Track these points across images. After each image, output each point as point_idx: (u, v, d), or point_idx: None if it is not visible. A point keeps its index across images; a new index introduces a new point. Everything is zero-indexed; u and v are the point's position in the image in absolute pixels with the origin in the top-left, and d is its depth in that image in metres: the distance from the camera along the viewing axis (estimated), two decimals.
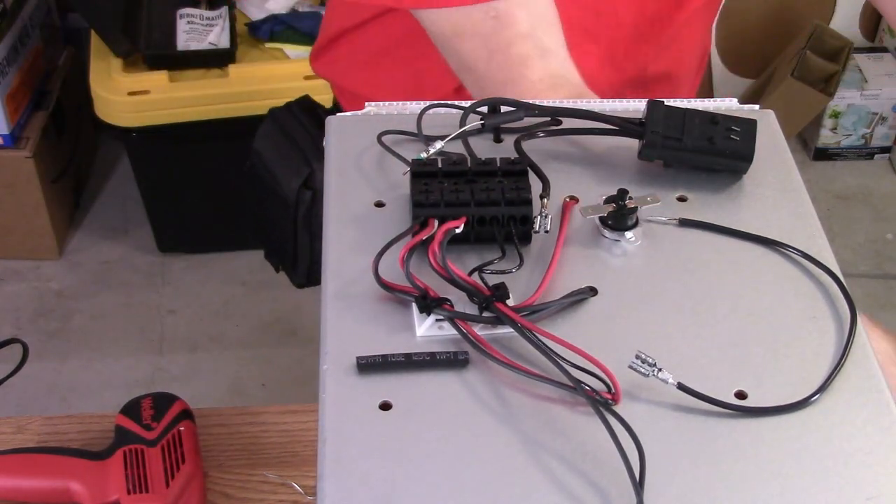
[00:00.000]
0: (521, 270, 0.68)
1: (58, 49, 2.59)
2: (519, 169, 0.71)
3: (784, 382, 0.63)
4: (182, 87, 2.19)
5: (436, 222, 0.68)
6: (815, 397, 0.62)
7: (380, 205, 0.73)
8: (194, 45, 2.21)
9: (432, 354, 0.63)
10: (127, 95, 2.18)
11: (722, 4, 1.25)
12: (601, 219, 0.71)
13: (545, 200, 0.72)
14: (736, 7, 2.61)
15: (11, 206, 2.40)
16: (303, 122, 1.24)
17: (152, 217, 2.45)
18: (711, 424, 0.61)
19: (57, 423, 1.03)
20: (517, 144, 0.76)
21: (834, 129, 2.83)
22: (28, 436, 1.02)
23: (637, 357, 0.62)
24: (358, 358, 0.63)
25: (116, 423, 0.98)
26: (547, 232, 0.71)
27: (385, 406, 0.61)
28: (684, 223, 0.73)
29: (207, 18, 2.26)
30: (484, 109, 0.78)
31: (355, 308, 0.66)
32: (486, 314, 0.65)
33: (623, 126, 0.77)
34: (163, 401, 1.00)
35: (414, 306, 0.65)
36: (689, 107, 0.77)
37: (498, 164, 0.71)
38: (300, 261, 1.25)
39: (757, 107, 0.81)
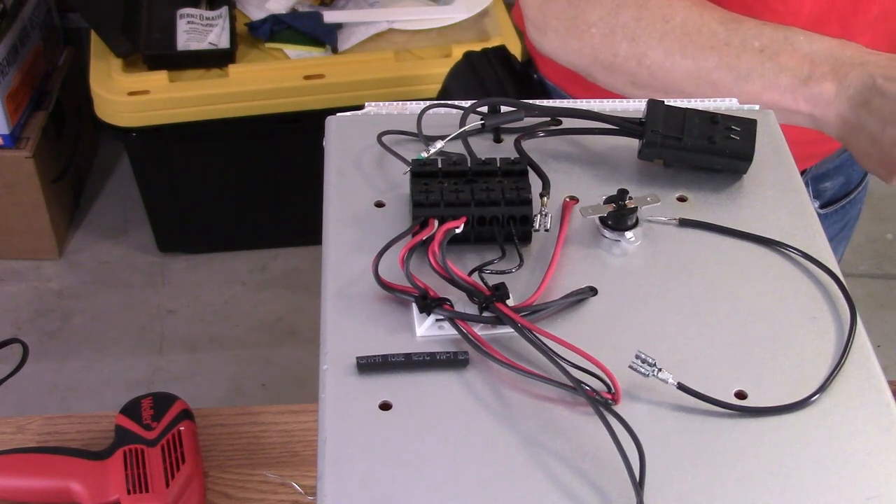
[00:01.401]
0: (521, 270, 0.68)
1: (58, 49, 2.59)
2: (519, 169, 0.71)
3: (784, 382, 0.63)
4: (182, 87, 2.19)
5: (436, 222, 0.68)
6: (815, 397, 0.62)
7: (380, 205, 0.73)
8: (194, 45, 2.21)
9: (432, 354, 0.63)
10: (127, 95, 2.18)
11: None
12: (601, 219, 0.71)
13: (545, 199, 0.72)
14: None
15: (11, 206, 2.40)
16: (496, 68, 1.23)
17: (152, 217, 2.45)
18: (711, 424, 0.61)
19: (57, 423, 1.03)
20: (517, 143, 0.76)
21: None
22: (28, 436, 1.02)
23: (637, 357, 0.62)
24: (358, 358, 0.63)
25: (116, 422, 0.98)
26: (547, 230, 0.71)
27: (385, 406, 0.61)
28: (684, 223, 0.73)
29: (207, 18, 2.26)
30: (484, 109, 0.78)
31: (355, 308, 0.66)
32: (486, 314, 0.65)
33: (623, 125, 0.77)
34: (163, 401, 1.00)
35: (414, 306, 0.66)
36: (689, 106, 0.77)
37: (498, 164, 0.71)
38: None
39: (757, 106, 0.81)
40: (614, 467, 0.58)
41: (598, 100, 0.80)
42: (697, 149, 0.75)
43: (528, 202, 0.69)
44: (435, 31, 2.29)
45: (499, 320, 0.64)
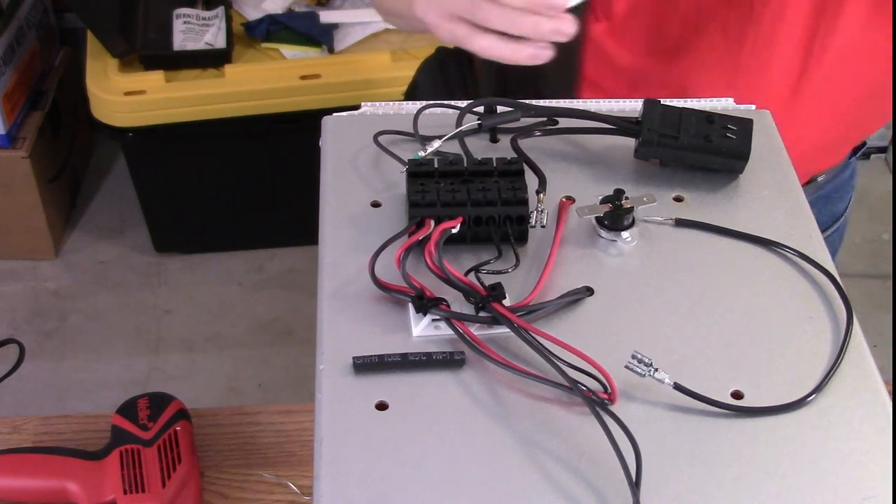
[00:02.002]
0: (518, 270, 0.68)
1: (54, 49, 2.59)
2: (515, 169, 0.71)
3: (780, 382, 0.63)
4: (178, 88, 2.19)
5: (432, 222, 0.68)
6: (811, 397, 0.62)
7: (376, 205, 0.73)
8: (191, 46, 2.21)
9: (428, 354, 0.63)
10: (123, 95, 2.18)
11: None
12: (597, 219, 0.71)
13: (542, 195, 0.72)
14: None
15: (8, 206, 2.39)
16: (463, 69, 1.24)
17: (148, 217, 2.45)
18: (708, 424, 0.61)
19: (53, 423, 1.03)
20: (514, 142, 0.76)
21: None
22: (24, 436, 1.02)
23: (633, 357, 0.62)
24: (354, 358, 0.63)
25: (113, 423, 0.98)
26: (543, 227, 0.71)
27: (381, 406, 0.61)
28: (680, 223, 0.73)
29: (204, 18, 2.25)
30: (480, 109, 0.78)
31: (352, 308, 0.66)
32: (482, 314, 0.64)
33: (619, 125, 0.77)
34: (159, 401, 1.00)
35: (410, 306, 0.65)
36: (685, 106, 0.77)
37: (494, 165, 0.71)
38: None
39: (753, 106, 0.81)
40: (610, 467, 0.58)
41: (594, 100, 0.81)
42: (694, 148, 0.75)
43: (525, 202, 0.69)
44: None
45: (495, 320, 0.64)
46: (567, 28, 0.81)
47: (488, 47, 0.83)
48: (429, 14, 0.85)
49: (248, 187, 2.40)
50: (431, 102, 0.79)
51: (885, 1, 1.03)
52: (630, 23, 1.08)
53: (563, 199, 0.74)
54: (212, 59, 2.22)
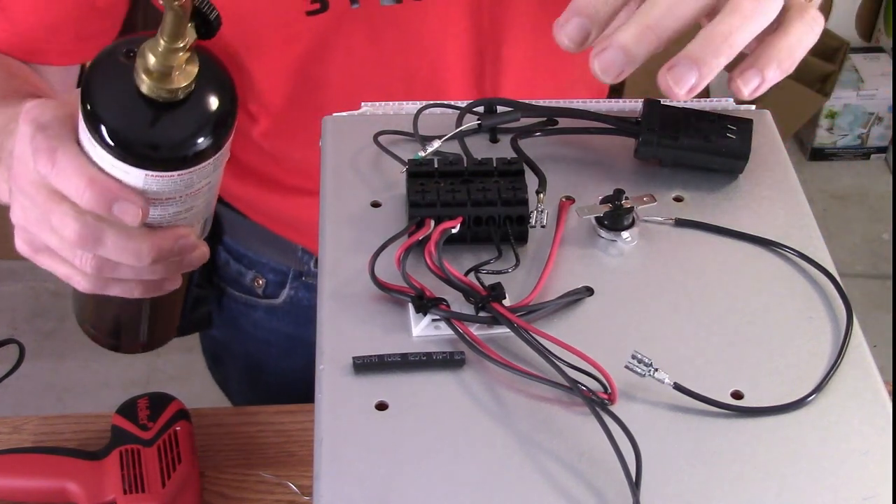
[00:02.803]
0: (518, 270, 0.68)
1: None
2: (515, 169, 0.71)
3: (780, 382, 0.63)
4: None
5: (432, 222, 0.68)
6: (811, 397, 0.62)
7: (376, 205, 0.73)
8: None
9: (428, 354, 0.63)
10: None
11: None
12: (597, 219, 0.71)
13: (542, 195, 0.72)
14: None
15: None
16: None
17: None
18: (708, 424, 0.61)
19: (53, 423, 1.03)
20: (513, 142, 0.76)
21: (830, 130, 2.84)
22: (24, 436, 1.02)
23: (633, 357, 0.62)
24: (354, 358, 0.63)
25: (112, 423, 0.98)
26: (543, 227, 0.71)
27: (381, 406, 0.61)
28: (680, 223, 0.73)
29: None
30: (481, 109, 0.78)
31: (351, 308, 0.66)
32: (482, 314, 0.64)
33: (619, 125, 0.77)
34: (159, 401, 1.00)
35: (410, 306, 0.65)
36: (685, 106, 0.77)
37: (494, 165, 0.71)
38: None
39: (753, 107, 0.81)
40: (610, 467, 0.58)
41: (594, 100, 0.81)
42: (694, 148, 0.75)
43: (525, 202, 0.69)
44: None
45: (495, 320, 0.64)
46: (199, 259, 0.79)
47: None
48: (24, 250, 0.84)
49: None
50: (431, 102, 0.79)
51: (541, 44, 1.01)
52: (292, 113, 1.03)
53: (563, 199, 0.74)
54: None
